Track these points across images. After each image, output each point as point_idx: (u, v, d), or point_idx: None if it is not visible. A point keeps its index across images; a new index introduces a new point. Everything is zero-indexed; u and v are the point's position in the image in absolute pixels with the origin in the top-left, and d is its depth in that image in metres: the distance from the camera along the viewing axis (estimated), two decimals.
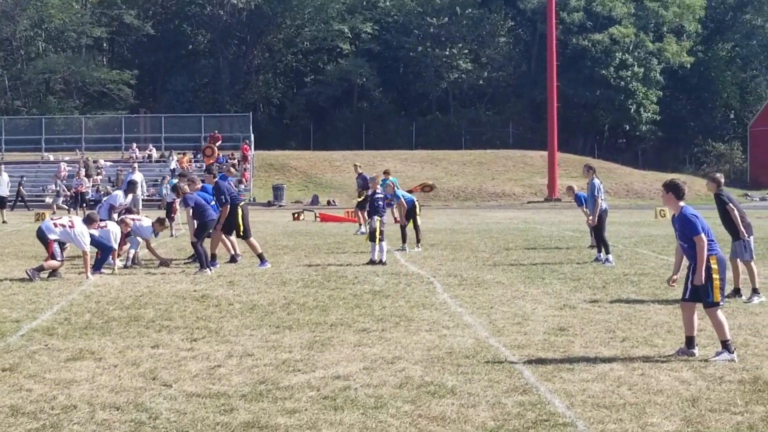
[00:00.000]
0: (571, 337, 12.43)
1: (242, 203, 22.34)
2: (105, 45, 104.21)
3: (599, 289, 17.05)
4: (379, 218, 22.11)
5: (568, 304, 15.31)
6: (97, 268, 19.75)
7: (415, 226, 25.77)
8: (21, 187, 52.74)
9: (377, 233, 21.87)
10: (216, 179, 22.37)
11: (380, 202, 22.55)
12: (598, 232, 22.40)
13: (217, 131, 67.76)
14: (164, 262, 21.80)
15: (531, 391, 9.58)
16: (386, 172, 36.15)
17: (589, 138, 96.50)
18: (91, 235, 19.45)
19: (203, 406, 9.07)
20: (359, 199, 33.45)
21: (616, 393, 9.49)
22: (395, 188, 26.10)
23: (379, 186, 23.20)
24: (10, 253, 25.18)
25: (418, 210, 26.04)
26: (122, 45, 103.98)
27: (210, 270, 19.95)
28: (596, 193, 22.22)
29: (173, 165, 61.13)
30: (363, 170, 35.58)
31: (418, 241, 25.79)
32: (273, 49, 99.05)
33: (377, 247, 21.93)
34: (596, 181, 22.58)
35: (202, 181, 23.04)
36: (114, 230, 20.46)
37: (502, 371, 10.45)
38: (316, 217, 42.23)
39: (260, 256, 21.51)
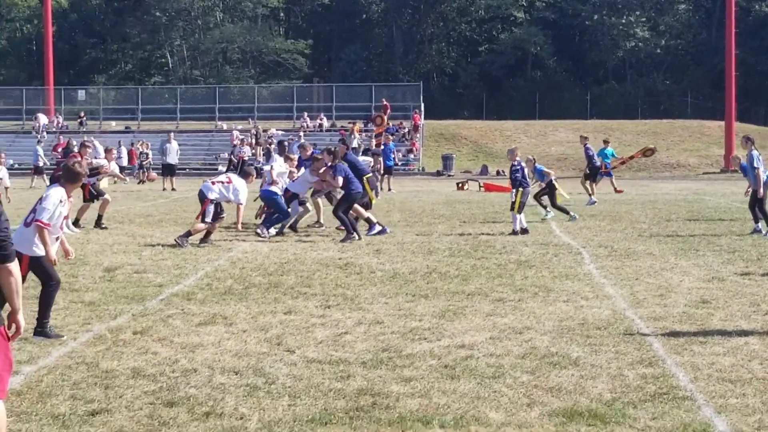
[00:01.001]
0: (713, 309, 12.02)
1: (368, 175, 22.29)
2: (281, 15, 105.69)
3: (753, 262, 16.46)
4: (521, 189, 21.79)
5: (717, 276, 14.83)
6: (270, 223, 20.40)
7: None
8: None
9: (517, 204, 21.58)
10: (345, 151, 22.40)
11: (518, 174, 22.11)
12: (759, 203, 21.63)
13: (385, 100, 67.92)
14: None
15: (657, 363, 9.28)
16: (605, 141, 36.28)
17: None
18: (268, 191, 20.16)
19: (321, 372, 9.06)
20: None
21: (745, 367, 9.12)
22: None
23: (518, 158, 22.70)
24: (170, 219, 25.77)
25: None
26: (297, 15, 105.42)
27: (357, 235, 19.99)
28: (756, 164, 21.49)
29: (354, 143, 60.21)
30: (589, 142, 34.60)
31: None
32: (446, 18, 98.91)
33: (518, 217, 21.71)
34: (755, 152, 21.88)
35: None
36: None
37: (632, 343, 10.16)
38: (480, 186, 42.01)
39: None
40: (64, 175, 11.07)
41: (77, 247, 18.77)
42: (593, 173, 33.22)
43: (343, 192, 20.67)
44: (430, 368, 9.19)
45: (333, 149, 21.69)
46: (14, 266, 6.28)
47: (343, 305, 12.53)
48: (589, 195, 32.01)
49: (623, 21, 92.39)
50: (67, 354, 9.77)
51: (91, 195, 23.13)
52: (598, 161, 33.85)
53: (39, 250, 10.57)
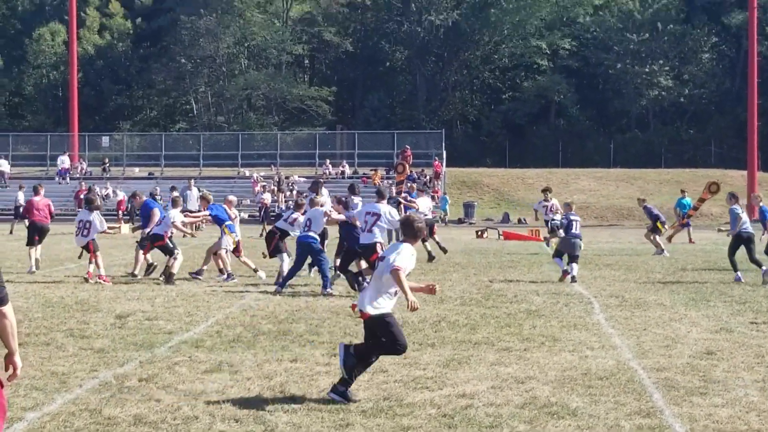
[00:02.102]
0: (716, 361, 12.05)
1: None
2: (306, 62, 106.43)
3: (762, 313, 16.47)
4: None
5: (725, 327, 14.85)
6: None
7: None
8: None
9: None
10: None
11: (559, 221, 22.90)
12: (731, 250, 22.96)
13: (409, 147, 68.19)
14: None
15: (654, 414, 9.34)
16: (683, 191, 36.46)
17: None
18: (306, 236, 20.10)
19: (321, 420, 9.15)
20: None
21: (742, 419, 9.16)
22: None
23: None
24: (186, 266, 25.34)
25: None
26: (322, 62, 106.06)
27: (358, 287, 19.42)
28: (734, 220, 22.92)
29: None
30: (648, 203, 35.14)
31: None
32: (470, 66, 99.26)
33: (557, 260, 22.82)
34: (737, 208, 22.97)
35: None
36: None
37: (632, 394, 10.22)
38: (499, 235, 42.08)
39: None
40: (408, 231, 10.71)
41: (92, 294, 18.96)
42: (656, 227, 33.38)
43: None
44: (429, 417, 9.26)
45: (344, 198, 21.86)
46: (8, 309, 6.43)
47: None
48: (657, 246, 32.21)
49: (647, 70, 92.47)
50: (71, 401, 9.89)
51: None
52: (662, 215, 34.07)
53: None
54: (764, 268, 22.12)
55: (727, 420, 9.12)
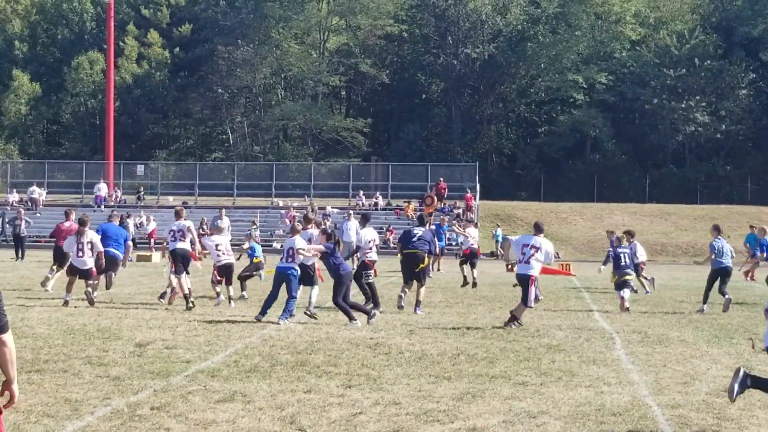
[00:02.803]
0: None
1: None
2: (342, 93, 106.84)
3: None
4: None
5: (746, 365, 14.67)
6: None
7: None
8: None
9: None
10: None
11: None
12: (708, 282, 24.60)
13: (442, 180, 68.24)
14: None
15: None
16: (752, 226, 36.31)
17: None
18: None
19: None
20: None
21: None
22: None
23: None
24: (211, 294, 25.65)
25: None
26: (357, 93, 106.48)
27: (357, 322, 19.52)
28: (711, 251, 24.57)
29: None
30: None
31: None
32: (506, 99, 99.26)
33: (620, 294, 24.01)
34: (716, 242, 24.47)
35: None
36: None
37: (644, 431, 10.15)
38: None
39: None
40: None
41: (115, 321, 19.05)
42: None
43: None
44: None
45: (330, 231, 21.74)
46: (8, 337, 6.47)
47: (365, 385, 12.59)
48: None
49: (683, 105, 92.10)
50: (81, 428, 9.92)
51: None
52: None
53: None
54: (727, 296, 23.68)
55: None
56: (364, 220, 24.87)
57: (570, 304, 25.29)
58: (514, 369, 14.08)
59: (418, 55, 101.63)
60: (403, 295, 22.56)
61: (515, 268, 21.75)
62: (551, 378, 13.36)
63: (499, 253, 59.77)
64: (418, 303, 22.30)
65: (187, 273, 22.76)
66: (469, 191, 67.86)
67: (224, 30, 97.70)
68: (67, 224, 26.61)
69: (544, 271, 40.15)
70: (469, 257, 31.78)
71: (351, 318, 19.41)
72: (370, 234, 23.41)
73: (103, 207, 67.00)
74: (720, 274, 24.22)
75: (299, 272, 19.96)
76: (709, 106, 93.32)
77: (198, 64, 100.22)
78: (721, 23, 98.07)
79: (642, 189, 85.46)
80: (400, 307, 22.21)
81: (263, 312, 19.65)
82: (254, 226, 54.57)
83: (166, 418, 10.49)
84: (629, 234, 27.74)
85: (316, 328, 18.77)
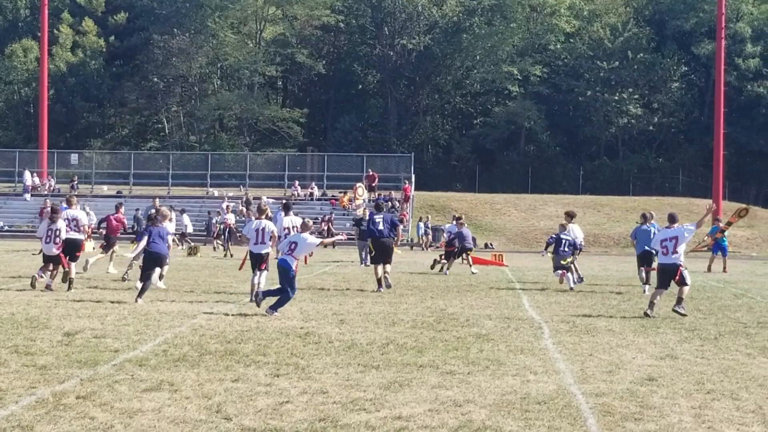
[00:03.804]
0: (656, 387, 12.13)
1: None
2: (279, 83, 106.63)
3: (710, 341, 16.57)
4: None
5: (671, 354, 14.94)
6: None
7: None
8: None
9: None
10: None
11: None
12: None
13: (371, 170, 68.44)
14: None
15: None
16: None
17: (763, 187, 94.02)
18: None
19: None
20: None
21: None
22: None
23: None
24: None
25: None
26: (294, 83, 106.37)
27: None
28: (634, 237, 28.63)
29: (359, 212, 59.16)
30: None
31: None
32: (441, 90, 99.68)
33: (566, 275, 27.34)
34: (644, 227, 27.58)
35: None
36: None
37: (567, 419, 10.27)
38: (463, 259, 42.07)
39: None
40: None
41: (44, 311, 18.90)
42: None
43: None
44: None
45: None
46: None
47: (293, 374, 12.60)
48: None
49: (616, 97, 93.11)
50: (4, 417, 9.85)
51: None
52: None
53: None
54: (646, 286, 26.38)
55: None
56: (286, 208, 25.33)
57: (501, 294, 25.45)
58: (442, 358, 14.16)
59: (354, 45, 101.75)
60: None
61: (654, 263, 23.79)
62: (479, 367, 13.46)
63: (421, 242, 60.27)
64: (386, 279, 25.87)
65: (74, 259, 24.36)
66: (406, 182, 68.05)
67: (160, 18, 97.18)
68: (115, 215, 30.30)
69: (476, 261, 40.61)
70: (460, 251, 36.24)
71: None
72: (293, 221, 23.99)
73: (29, 196, 66.32)
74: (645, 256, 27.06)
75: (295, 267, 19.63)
76: (642, 98, 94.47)
77: (133, 53, 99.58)
78: (654, 16, 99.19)
79: (575, 180, 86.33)
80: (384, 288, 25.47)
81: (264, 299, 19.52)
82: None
83: (91, 407, 10.44)
84: (569, 215, 29.06)
85: (246, 317, 18.75)
